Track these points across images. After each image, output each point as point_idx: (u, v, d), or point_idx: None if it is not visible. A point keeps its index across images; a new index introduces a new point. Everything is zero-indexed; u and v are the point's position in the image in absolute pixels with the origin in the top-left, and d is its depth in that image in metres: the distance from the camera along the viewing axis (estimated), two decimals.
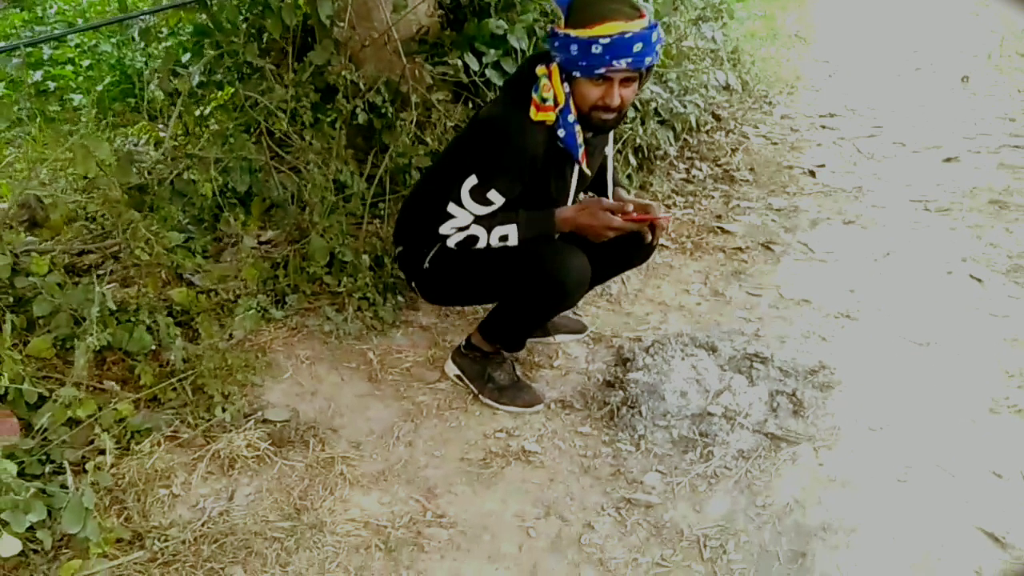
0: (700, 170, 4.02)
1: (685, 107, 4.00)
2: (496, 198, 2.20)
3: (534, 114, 2.15)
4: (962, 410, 2.47)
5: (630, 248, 2.44)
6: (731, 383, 2.59)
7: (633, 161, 3.69)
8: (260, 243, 3.08)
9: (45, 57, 5.56)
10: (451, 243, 2.27)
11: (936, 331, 2.84)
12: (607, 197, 2.49)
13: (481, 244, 2.25)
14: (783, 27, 6.88)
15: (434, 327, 2.88)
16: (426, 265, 2.39)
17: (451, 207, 2.22)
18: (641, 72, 2.11)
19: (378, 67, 3.46)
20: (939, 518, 2.09)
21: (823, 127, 4.76)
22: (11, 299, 2.42)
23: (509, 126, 2.20)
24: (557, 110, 2.14)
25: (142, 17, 3.97)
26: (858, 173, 4.13)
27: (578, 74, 2.08)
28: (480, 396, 2.53)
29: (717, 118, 4.49)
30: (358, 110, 3.17)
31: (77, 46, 5.51)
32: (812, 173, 4.11)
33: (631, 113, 3.83)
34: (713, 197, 3.84)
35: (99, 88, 5.26)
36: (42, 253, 2.55)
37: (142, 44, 4.76)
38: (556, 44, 2.09)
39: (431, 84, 3.45)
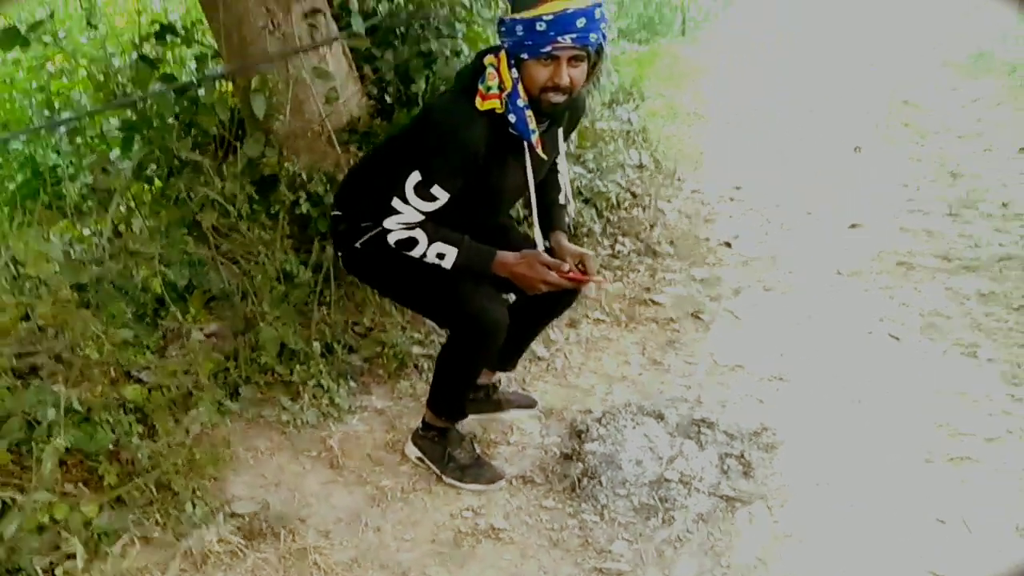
0: (624, 245, 4.18)
1: (607, 186, 4.19)
2: (440, 193, 2.20)
3: (479, 104, 2.17)
4: (899, 462, 2.63)
5: (555, 296, 2.48)
6: (682, 448, 2.70)
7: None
8: (206, 335, 3.07)
9: None
10: (391, 239, 2.25)
11: (865, 388, 3.03)
12: (555, 206, 2.57)
13: (418, 250, 2.25)
14: (681, 106, 7.22)
15: (388, 409, 2.92)
16: (358, 245, 2.39)
17: (396, 202, 2.21)
18: (588, 52, 2.12)
19: (312, 157, 3.52)
20: (894, 564, 2.22)
21: (731, 199, 5.00)
22: None
23: (452, 119, 2.22)
24: (504, 95, 2.16)
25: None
26: (770, 242, 4.36)
27: (526, 55, 2.10)
28: (443, 477, 2.57)
29: (633, 195, 4.69)
30: (301, 200, 3.22)
31: None
32: (728, 244, 4.32)
33: None
34: (639, 270, 4.00)
35: (11, 187, 5.18)
36: None
37: (63, 142, 4.70)
38: (503, 30, 2.14)
39: None
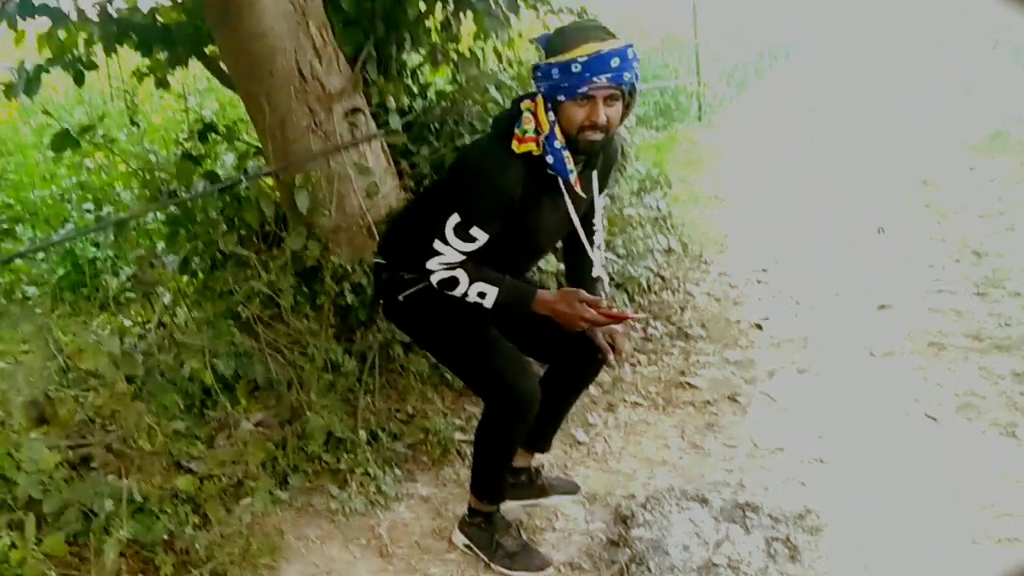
0: (656, 328, 4.24)
1: (638, 271, 4.27)
2: (479, 234, 2.25)
3: (516, 147, 2.24)
4: (946, 544, 2.63)
5: (582, 364, 2.60)
6: (728, 533, 2.71)
7: None
8: (254, 425, 3.13)
9: None
10: (434, 279, 2.31)
11: (906, 470, 3.03)
12: (588, 249, 2.60)
13: (460, 290, 2.30)
14: (702, 190, 7.36)
15: (434, 496, 2.95)
16: (400, 298, 2.46)
17: (437, 244, 2.26)
18: (623, 90, 2.20)
19: (353, 249, 3.62)
20: None
21: (759, 281, 5.08)
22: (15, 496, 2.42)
23: (488, 163, 2.29)
24: (541, 138, 2.22)
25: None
26: (800, 323, 4.40)
27: (562, 98, 2.17)
28: (492, 564, 2.59)
29: (663, 279, 4.77)
30: (345, 291, 3.31)
31: (32, 241, 5.55)
32: (759, 326, 4.37)
33: None
34: (672, 353, 4.05)
35: (54, 279, 5.30)
36: (49, 448, 2.56)
37: (111, 238, 4.83)
38: (539, 75, 2.22)
39: None
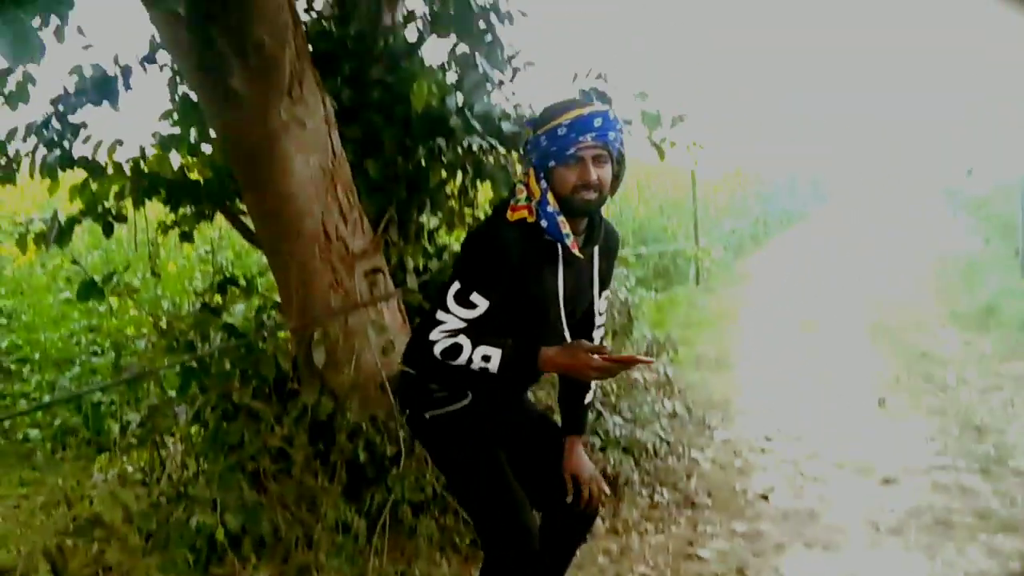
0: (663, 496, 4.22)
1: (644, 436, 4.29)
2: (479, 300, 2.28)
3: (510, 215, 2.33)
4: None
5: (569, 520, 2.59)
6: None
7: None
8: None
9: None
10: (436, 350, 2.29)
11: None
12: (580, 407, 2.65)
13: (463, 356, 2.28)
14: (703, 354, 7.45)
15: None
16: (427, 416, 2.47)
17: (440, 314, 2.29)
18: (610, 152, 2.31)
19: (363, 404, 3.66)
20: None
21: (763, 450, 5.08)
22: None
23: (485, 232, 2.41)
24: (534, 204, 2.31)
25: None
26: (806, 496, 4.38)
27: (553, 163, 2.28)
28: None
29: (668, 444, 4.77)
30: (359, 449, 3.33)
31: (39, 384, 5.57)
32: (765, 497, 4.36)
33: (596, 442, 4.11)
34: (679, 523, 4.02)
35: (56, 423, 5.29)
36: None
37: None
38: (529, 147, 2.35)
39: None
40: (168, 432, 3.60)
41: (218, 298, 4.28)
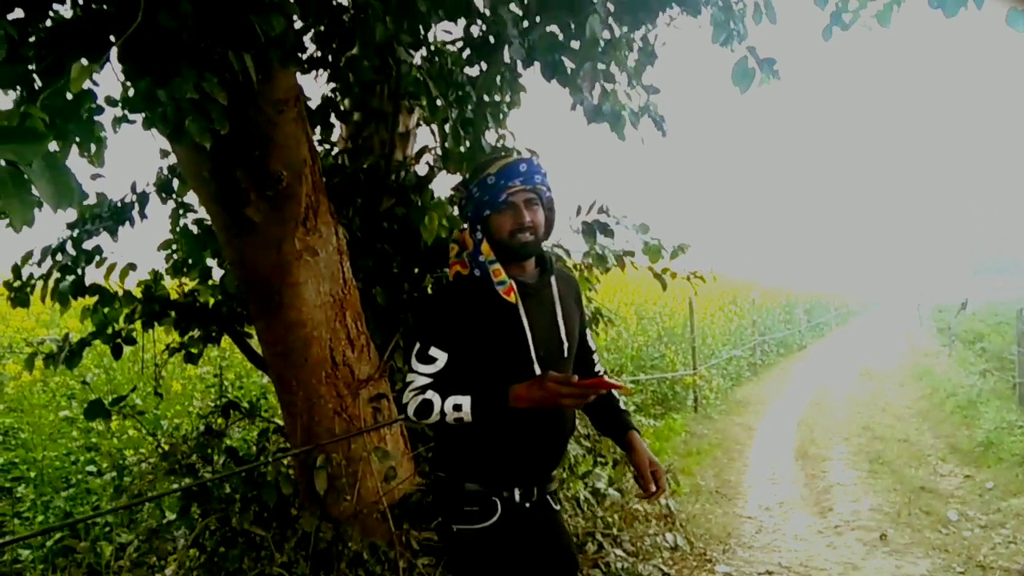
0: None
1: (649, 571, 4.25)
2: (438, 354, 2.42)
3: (449, 273, 2.55)
4: None
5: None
6: None
7: None
8: None
9: None
10: (409, 411, 2.39)
11: None
12: (616, 410, 2.73)
13: (435, 411, 2.35)
14: (703, 484, 7.39)
15: None
16: (454, 528, 2.52)
17: (408, 376, 2.43)
18: (540, 195, 2.49)
19: (364, 532, 3.64)
20: None
21: None
22: None
23: (432, 294, 2.65)
24: (465, 255, 2.49)
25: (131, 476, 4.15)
26: None
27: (488, 211, 2.46)
28: None
29: None
30: None
31: (33, 503, 5.51)
32: None
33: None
34: None
35: (48, 543, 5.21)
36: None
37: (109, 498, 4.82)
38: (463, 202, 2.56)
39: (417, 549, 3.63)
40: (166, 556, 3.56)
41: (221, 421, 4.30)
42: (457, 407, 2.35)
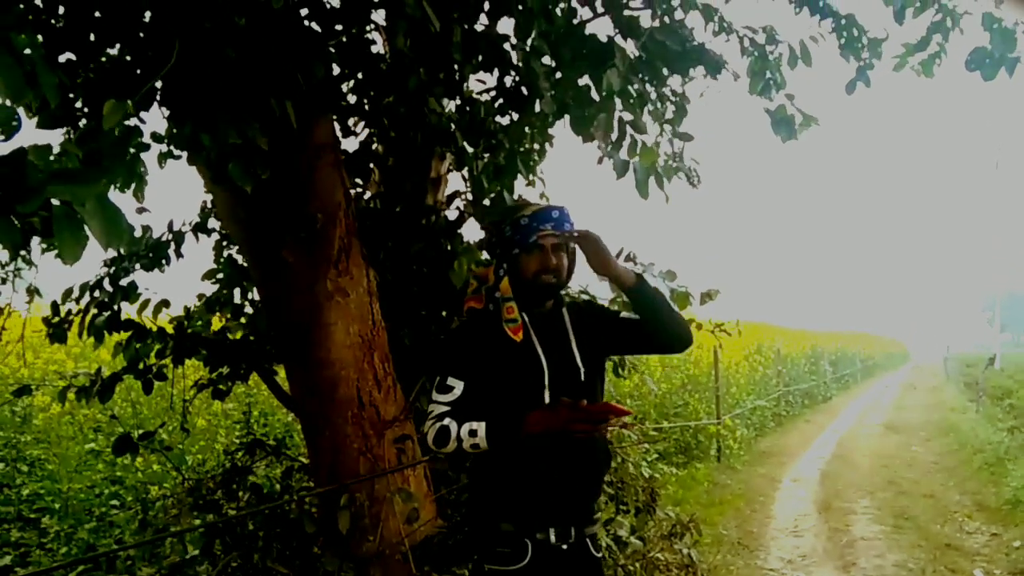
0: None
1: None
2: (455, 383, 2.55)
3: (465, 308, 2.72)
4: None
5: None
6: None
7: None
8: None
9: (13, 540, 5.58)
10: (430, 439, 2.51)
11: None
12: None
13: (453, 437, 2.45)
14: (725, 535, 7.33)
15: None
16: (486, 567, 2.56)
17: (430, 406, 2.55)
18: (567, 242, 2.61)
19: (386, 573, 3.65)
20: None
21: None
22: None
23: (450, 331, 2.67)
24: (483, 288, 2.64)
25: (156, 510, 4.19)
26: None
27: (517, 250, 2.59)
28: None
29: None
30: None
31: (57, 534, 5.56)
32: None
33: None
34: None
35: None
36: None
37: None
38: (494, 240, 2.67)
39: None
40: None
41: (246, 458, 4.34)
42: (473, 432, 2.45)
